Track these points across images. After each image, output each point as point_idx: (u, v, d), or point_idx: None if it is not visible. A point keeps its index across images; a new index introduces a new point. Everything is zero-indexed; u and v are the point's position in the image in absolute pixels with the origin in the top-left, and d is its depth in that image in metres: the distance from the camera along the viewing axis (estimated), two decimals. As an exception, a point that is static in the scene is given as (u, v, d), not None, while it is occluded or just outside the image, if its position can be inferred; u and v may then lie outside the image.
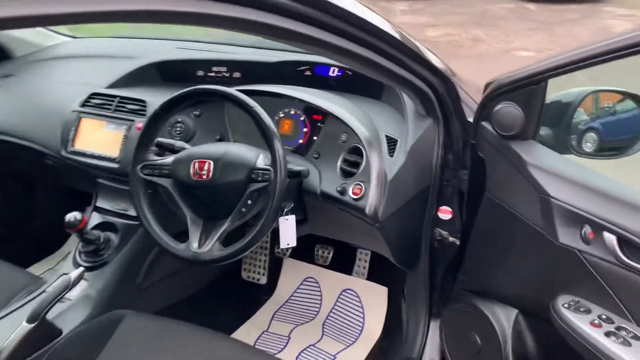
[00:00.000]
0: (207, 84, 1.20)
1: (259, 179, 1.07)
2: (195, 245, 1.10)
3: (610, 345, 0.85)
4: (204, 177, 1.09)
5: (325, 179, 1.20)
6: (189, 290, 1.65)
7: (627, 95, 1.11)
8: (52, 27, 1.95)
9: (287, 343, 1.58)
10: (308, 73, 1.53)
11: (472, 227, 1.23)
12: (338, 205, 1.18)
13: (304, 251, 1.80)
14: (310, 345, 1.57)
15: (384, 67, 0.96)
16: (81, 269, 1.18)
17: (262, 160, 1.10)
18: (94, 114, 1.49)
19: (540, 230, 1.01)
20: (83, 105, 1.51)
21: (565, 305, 0.95)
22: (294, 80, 1.47)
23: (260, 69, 1.56)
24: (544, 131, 1.13)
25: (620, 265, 0.88)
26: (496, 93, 1.08)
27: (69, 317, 1.24)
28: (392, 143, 1.22)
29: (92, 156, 1.44)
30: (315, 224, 1.41)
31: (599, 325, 0.89)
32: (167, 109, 1.16)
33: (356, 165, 1.17)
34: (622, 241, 0.88)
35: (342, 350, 1.55)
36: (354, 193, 1.14)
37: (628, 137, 1.14)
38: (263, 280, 1.85)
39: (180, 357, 1.06)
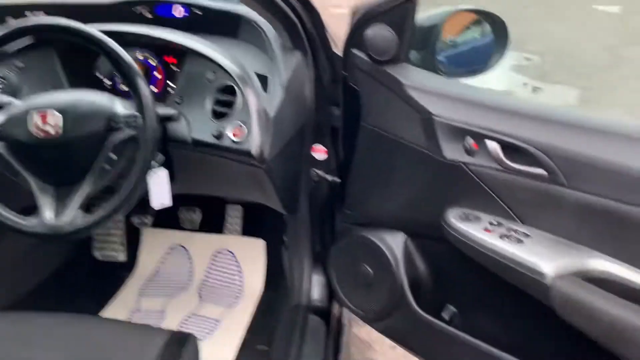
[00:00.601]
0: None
1: (122, 127, 0.91)
2: (50, 216, 0.91)
3: (505, 245, 0.89)
4: (52, 133, 0.90)
5: (195, 124, 1.07)
6: (34, 280, 1.41)
7: (482, 14, 1.16)
8: None
9: (163, 318, 1.45)
10: (148, 15, 1.35)
11: (352, 161, 1.21)
12: (215, 152, 1.07)
13: (166, 217, 1.64)
14: (189, 315, 1.45)
15: None
16: None
17: (120, 105, 0.94)
18: None
19: (424, 150, 1.02)
20: None
21: (456, 218, 0.98)
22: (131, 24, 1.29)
23: (88, 12, 1.34)
24: (411, 55, 1.14)
25: (504, 170, 0.92)
26: (366, 17, 1.05)
27: None
28: (263, 81, 1.14)
29: None
30: (183, 182, 1.28)
31: (491, 230, 0.93)
32: None
33: (229, 105, 1.06)
34: (504, 146, 0.92)
35: (225, 311, 1.46)
36: (234, 135, 1.03)
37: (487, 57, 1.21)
38: (122, 257, 1.65)
39: (46, 349, 0.88)
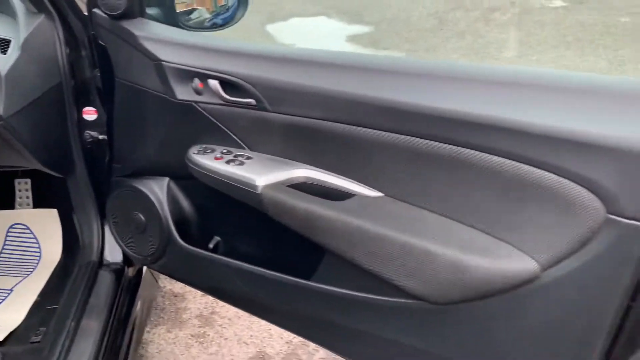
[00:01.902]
0: None
1: None
2: None
3: (229, 168, 1.03)
4: None
5: None
6: None
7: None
8: None
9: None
10: None
11: (113, 117, 1.28)
12: None
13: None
14: None
15: None
16: None
17: None
18: None
19: (162, 94, 1.12)
20: None
21: (195, 152, 1.10)
22: None
23: None
24: (152, 11, 1.23)
25: (225, 104, 1.06)
26: None
27: None
28: (5, 44, 1.16)
29: None
30: None
31: (221, 158, 1.06)
32: None
33: None
34: (223, 83, 1.05)
35: (19, 282, 1.46)
36: None
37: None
38: None
39: None
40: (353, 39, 4.90)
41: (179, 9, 1.32)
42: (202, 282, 1.29)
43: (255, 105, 1.02)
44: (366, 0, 5.83)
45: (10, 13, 1.24)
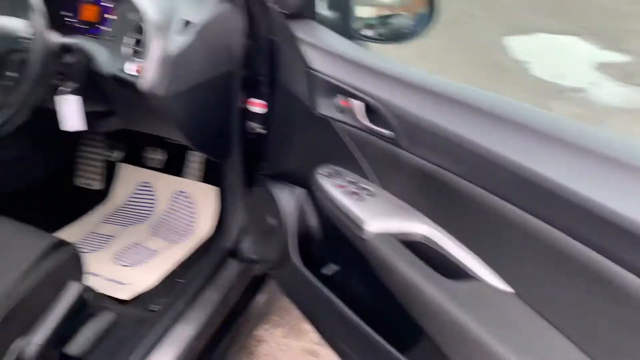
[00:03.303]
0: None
1: (20, 48, 1.02)
2: None
3: (345, 201, 0.91)
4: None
5: (112, 59, 1.16)
6: (14, 184, 1.58)
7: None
8: None
9: (109, 242, 1.57)
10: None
11: (272, 114, 1.25)
12: (123, 86, 1.15)
13: (137, 155, 1.77)
14: (134, 244, 1.57)
15: None
16: None
17: (25, 28, 1.04)
18: None
19: (307, 104, 1.04)
20: None
21: (322, 173, 1.00)
22: None
23: None
24: (328, 13, 1.16)
25: (363, 129, 0.93)
26: None
27: None
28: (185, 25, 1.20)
29: None
30: (125, 116, 1.38)
31: (342, 187, 0.94)
32: None
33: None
34: (366, 106, 0.92)
35: (166, 246, 1.56)
36: (137, 71, 1.11)
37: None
38: (97, 186, 1.80)
39: None
40: (602, 66, 4.27)
41: (369, 14, 1.22)
42: (304, 307, 1.20)
43: (391, 140, 0.88)
44: (630, 27, 5.04)
45: None
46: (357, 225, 0.87)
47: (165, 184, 1.73)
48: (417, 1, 1.22)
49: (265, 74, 1.30)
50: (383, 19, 1.27)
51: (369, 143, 0.94)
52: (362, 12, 1.23)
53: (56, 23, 1.19)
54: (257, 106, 1.34)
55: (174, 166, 1.73)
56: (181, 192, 1.71)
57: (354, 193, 0.92)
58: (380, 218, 0.86)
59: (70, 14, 1.30)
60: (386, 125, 0.88)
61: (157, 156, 1.75)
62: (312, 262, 1.15)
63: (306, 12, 1.08)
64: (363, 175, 0.96)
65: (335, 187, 0.95)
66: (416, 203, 0.86)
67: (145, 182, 1.76)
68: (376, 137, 0.91)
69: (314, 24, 1.09)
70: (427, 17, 1.20)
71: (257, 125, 1.35)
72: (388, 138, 0.88)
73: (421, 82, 0.88)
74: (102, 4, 1.30)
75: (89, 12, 1.31)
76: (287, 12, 1.08)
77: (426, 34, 1.20)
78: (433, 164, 0.82)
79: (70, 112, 1.13)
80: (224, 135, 1.35)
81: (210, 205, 1.64)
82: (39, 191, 1.69)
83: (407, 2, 1.33)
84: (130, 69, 1.11)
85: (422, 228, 0.83)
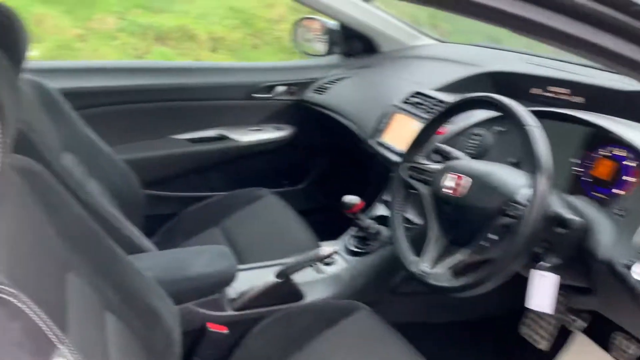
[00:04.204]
0: (538, 104, 1.04)
1: (510, 213, 0.87)
2: (425, 263, 0.98)
3: None
4: (452, 192, 0.95)
5: (618, 243, 0.89)
6: (444, 317, 1.51)
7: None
8: (421, 29, 2.03)
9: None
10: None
11: None
12: (621, 284, 0.86)
13: (601, 332, 1.41)
14: None
15: None
16: (335, 248, 1.21)
17: (524, 193, 0.88)
18: (408, 111, 1.48)
19: None
20: (404, 102, 1.53)
21: None
22: None
23: (609, 96, 1.27)
24: None
25: None
26: None
27: (314, 288, 1.29)
28: None
29: (392, 151, 1.45)
30: (606, 301, 1.08)
31: None
32: (446, 114, 1.06)
33: None
34: None
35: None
36: None
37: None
38: (542, 346, 1.53)
39: None
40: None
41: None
42: None
43: None
44: None
45: None
46: None
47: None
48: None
49: None
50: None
51: None
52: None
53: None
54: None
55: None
56: None
57: None
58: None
59: (579, 162, 1.12)
60: None
61: (628, 349, 1.35)
62: None
63: None
64: None
65: None
66: None
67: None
68: None
69: None
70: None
71: None
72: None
73: None
74: (623, 162, 1.06)
75: (603, 168, 1.09)
76: None
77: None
78: None
79: (543, 292, 0.92)
80: None
81: None
82: (468, 326, 1.57)
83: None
84: (638, 269, 0.81)
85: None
